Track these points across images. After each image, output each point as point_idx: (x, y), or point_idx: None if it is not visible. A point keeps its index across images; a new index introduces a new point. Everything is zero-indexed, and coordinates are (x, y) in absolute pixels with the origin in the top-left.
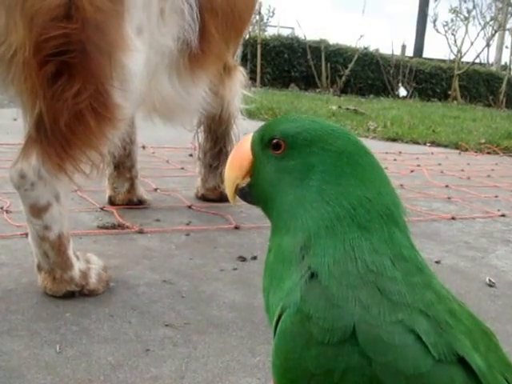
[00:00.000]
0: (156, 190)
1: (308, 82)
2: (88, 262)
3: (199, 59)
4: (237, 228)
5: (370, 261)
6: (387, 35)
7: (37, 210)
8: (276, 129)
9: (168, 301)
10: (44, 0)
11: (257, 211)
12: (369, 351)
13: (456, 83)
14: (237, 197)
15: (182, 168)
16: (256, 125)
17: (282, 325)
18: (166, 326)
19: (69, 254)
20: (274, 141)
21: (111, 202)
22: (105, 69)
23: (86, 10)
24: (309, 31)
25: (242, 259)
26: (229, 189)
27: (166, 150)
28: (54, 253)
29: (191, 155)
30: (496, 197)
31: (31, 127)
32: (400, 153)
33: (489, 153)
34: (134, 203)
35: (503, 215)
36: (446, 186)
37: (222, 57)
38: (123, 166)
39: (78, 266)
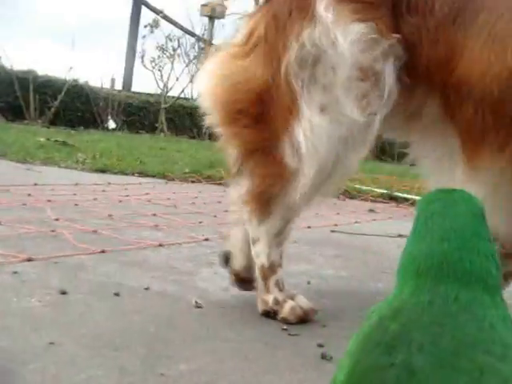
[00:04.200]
0: None
1: (15, 113)
2: (291, 298)
3: None
4: None
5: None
6: (99, 68)
7: (252, 241)
8: None
9: None
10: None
11: None
12: None
13: (163, 116)
14: None
15: None
16: None
17: None
18: None
19: (269, 282)
20: None
21: None
22: (278, 131)
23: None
24: (17, 61)
25: None
26: None
27: None
28: (260, 277)
29: None
30: (200, 222)
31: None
32: (109, 183)
33: (193, 181)
34: None
35: (207, 239)
36: (154, 215)
37: None
38: None
39: (274, 295)
